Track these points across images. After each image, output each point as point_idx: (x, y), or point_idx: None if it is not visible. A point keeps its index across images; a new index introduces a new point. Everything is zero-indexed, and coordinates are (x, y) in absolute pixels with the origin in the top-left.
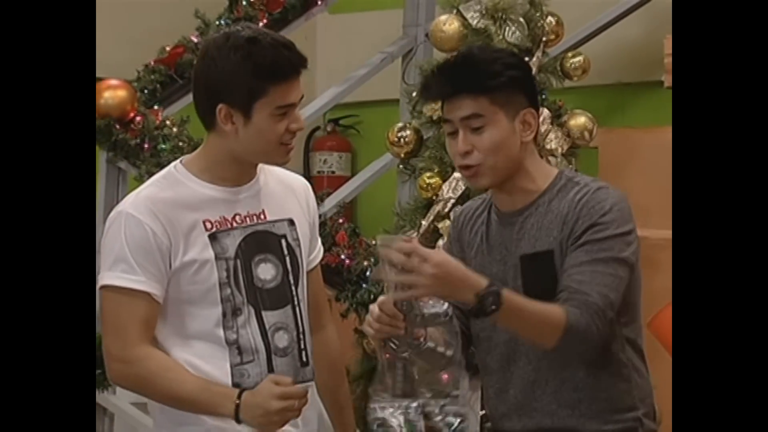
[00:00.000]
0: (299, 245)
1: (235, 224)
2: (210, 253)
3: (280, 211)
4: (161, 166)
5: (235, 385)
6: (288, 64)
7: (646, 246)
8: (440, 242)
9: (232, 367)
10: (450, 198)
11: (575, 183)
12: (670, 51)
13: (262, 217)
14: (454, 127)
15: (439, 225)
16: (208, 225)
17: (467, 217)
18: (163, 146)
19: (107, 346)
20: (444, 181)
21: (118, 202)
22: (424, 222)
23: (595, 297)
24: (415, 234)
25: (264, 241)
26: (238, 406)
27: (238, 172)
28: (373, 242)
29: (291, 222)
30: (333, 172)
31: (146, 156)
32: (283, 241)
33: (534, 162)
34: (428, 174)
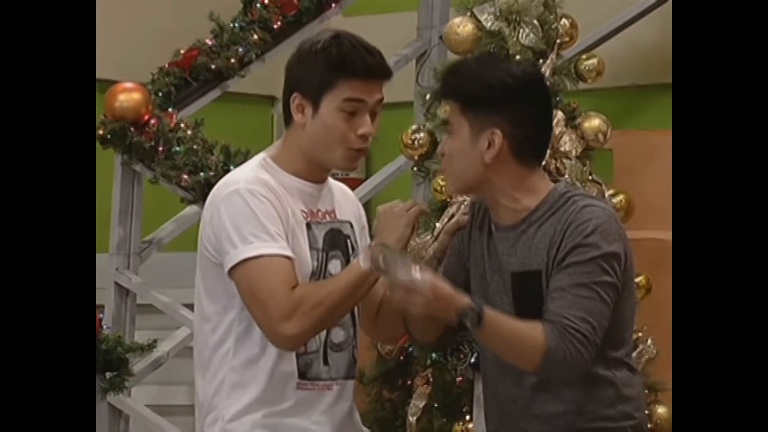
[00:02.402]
0: (358, 246)
1: (320, 218)
2: (306, 242)
3: (345, 214)
4: (176, 169)
5: (300, 374)
6: (360, 62)
7: (662, 248)
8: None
9: (297, 356)
10: (464, 200)
11: (567, 199)
12: None
13: (333, 215)
14: None
15: None
16: (304, 214)
17: (477, 211)
18: (178, 149)
19: (268, 312)
20: None
21: (133, 204)
22: (438, 224)
23: (576, 323)
24: (430, 236)
25: (337, 238)
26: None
27: (312, 170)
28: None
29: (351, 225)
30: (347, 175)
31: (161, 158)
32: (348, 241)
33: (515, 183)
34: (442, 177)
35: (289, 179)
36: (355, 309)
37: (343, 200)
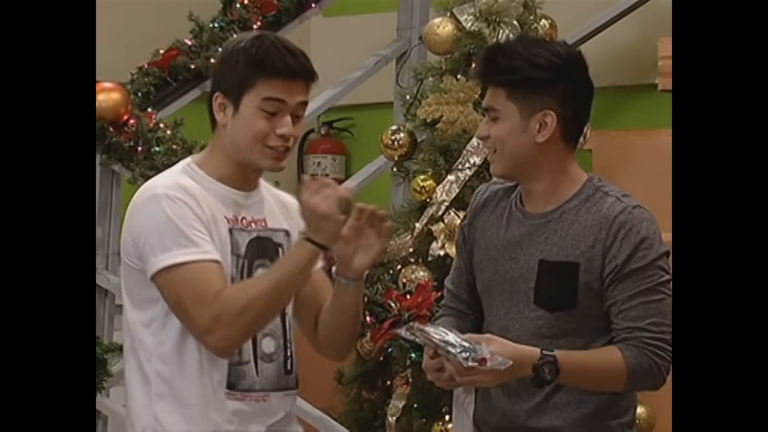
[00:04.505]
0: None
1: (244, 225)
2: (228, 247)
3: (278, 222)
4: (155, 169)
5: (230, 385)
6: (280, 62)
7: None
8: (434, 245)
9: (230, 366)
10: (444, 201)
11: (605, 194)
12: (664, 54)
13: (263, 224)
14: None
15: (433, 228)
16: (226, 220)
17: (488, 200)
18: (157, 149)
19: (196, 320)
20: (438, 183)
21: (111, 205)
22: (417, 225)
23: (652, 331)
24: (409, 237)
25: (264, 246)
26: (306, 235)
27: (239, 175)
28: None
29: (287, 233)
30: (327, 175)
31: (140, 159)
32: (280, 250)
33: (559, 165)
34: (422, 176)
35: (214, 185)
36: (291, 318)
37: (279, 209)
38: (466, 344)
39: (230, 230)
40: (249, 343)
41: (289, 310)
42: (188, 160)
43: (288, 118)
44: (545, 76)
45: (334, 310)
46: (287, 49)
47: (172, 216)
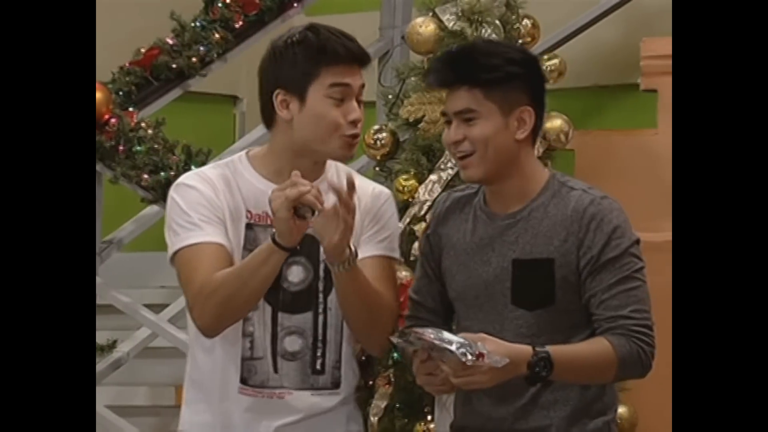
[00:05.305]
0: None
1: (269, 223)
2: (240, 241)
3: None
4: (136, 168)
5: (242, 380)
6: (341, 47)
7: None
8: (416, 245)
9: (242, 360)
10: (426, 200)
11: (571, 188)
12: (647, 53)
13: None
14: (449, 117)
15: (416, 227)
16: (249, 215)
17: (451, 207)
18: (138, 148)
19: (186, 299)
20: (420, 183)
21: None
22: (400, 224)
23: (635, 318)
24: None
25: (306, 244)
26: (272, 235)
27: (300, 168)
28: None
29: None
30: None
31: (121, 158)
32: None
33: (530, 162)
34: (404, 176)
35: (255, 180)
36: (331, 317)
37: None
38: (463, 341)
39: (249, 225)
40: (266, 339)
41: (332, 308)
42: (246, 151)
43: (355, 103)
44: (521, 72)
45: (340, 302)
46: (343, 34)
47: (181, 202)
